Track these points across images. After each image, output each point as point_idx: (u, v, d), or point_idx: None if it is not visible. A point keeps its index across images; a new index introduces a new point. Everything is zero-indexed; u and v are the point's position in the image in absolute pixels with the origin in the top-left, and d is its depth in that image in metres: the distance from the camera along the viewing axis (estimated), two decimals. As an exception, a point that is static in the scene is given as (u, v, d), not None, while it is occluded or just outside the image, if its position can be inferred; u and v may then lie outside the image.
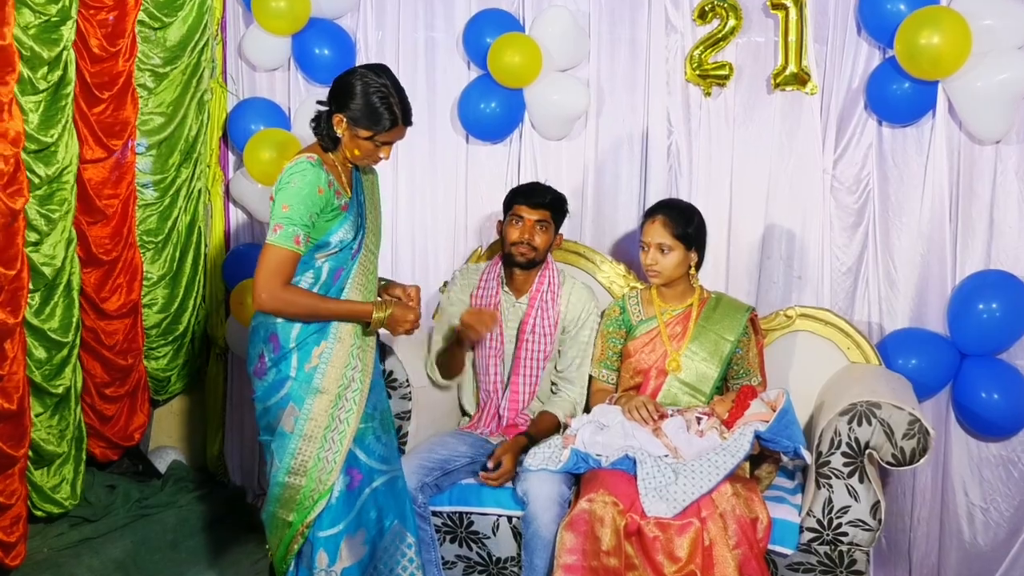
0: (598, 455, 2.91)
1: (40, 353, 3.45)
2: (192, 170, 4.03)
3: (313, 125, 2.73)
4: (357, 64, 3.97)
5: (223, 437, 4.40)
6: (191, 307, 4.17)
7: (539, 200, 3.28)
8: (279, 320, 2.64)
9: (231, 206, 4.28)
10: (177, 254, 4.05)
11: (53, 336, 3.47)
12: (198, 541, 3.87)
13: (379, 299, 2.82)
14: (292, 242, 2.56)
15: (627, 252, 3.77)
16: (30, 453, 3.40)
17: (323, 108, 2.72)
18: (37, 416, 3.46)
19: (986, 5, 3.20)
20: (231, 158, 4.26)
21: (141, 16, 3.66)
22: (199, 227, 4.15)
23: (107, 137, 3.60)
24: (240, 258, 4.17)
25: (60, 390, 3.53)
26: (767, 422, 2.84)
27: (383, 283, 2.97)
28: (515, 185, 3.68)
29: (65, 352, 3.53)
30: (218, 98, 4.15)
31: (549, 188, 3.34)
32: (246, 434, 4.39)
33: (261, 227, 4.24)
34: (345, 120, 2.63)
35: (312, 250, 2.65)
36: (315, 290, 2.66)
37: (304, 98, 4.06)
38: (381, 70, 2.68)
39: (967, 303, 3.34)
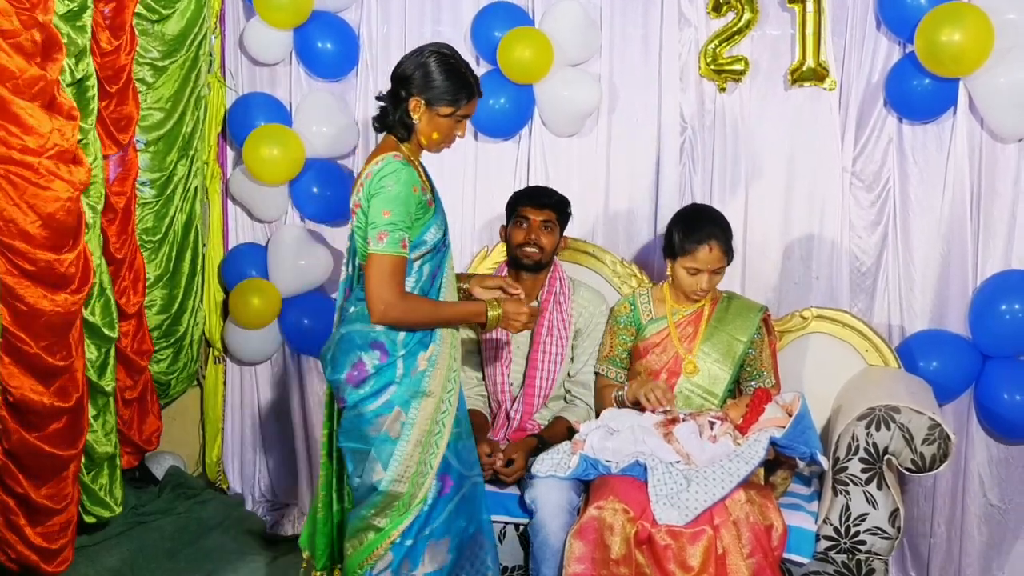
0: (608, 461, 2.92)
1: (92, 351, 3.49)
2: (189, 167, 4.04)
3: (378, 120, 2.74)
4: (360, 57, 4.00)
5: (222, 442, 4.41)
6: (190, 308, 4.18)
7: (544, 200, 3.31)
8: (379, 327, 2.62)
9: (230, 204, 4.29)
10: (174, 254, 4.06)
11: (105, 331, 3.51)
12: (197, 549, 3.88)
13: (486, 298, 2.83)
14: (400, 247, 2.56)
15: (640, 251, 3.78)
16: (83, 458, 3.45)
17: (383, 102, 2.73)
18: (94, 418, 3.51)
19: (1008, 0, 3.20)
20: (230, 155, 4.27)
21: (139, 9, 3.68)
22: (196, 226, 4.16)
23: (117, 131, 3.62)
24: (239, 258, 4.19)
25: (109, 388, 3.58)
26: (783, 427, 2.84)
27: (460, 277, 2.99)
28: (523, 185, 3.70)
29: (110, 348, 3.58)
30: (216, 93, 4.16)
31: (552, 190, 3.37)
32: (246, 439, 4.40)
33: (262, 226, 4.26)
34: (423, 102, 2.65)
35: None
36: (418, 294, 2.67)
37: (306, 93, 4.08)
38: (443, 46, 2.71)
39: (989, 304, 3.35)
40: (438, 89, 2.64)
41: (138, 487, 4.15)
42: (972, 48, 3.19)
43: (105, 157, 3.56)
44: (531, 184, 3.71)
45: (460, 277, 2.98)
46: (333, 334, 2.74)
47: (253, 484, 4.42)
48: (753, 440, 2.84)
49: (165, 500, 4.12)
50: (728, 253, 3.13)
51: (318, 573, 2.94)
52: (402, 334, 2.63)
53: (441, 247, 2.73)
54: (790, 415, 2.91)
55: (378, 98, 2.76)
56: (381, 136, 2.78)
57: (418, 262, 2.66)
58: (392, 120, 2.69)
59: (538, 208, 3.29)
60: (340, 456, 2.78)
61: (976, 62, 3.22)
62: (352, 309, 2.70)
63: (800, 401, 2.93)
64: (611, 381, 3.27)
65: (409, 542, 2.63)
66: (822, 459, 2.81)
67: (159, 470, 4.32)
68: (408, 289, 2.64)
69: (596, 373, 3.32)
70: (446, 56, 2.67)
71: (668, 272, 3.19)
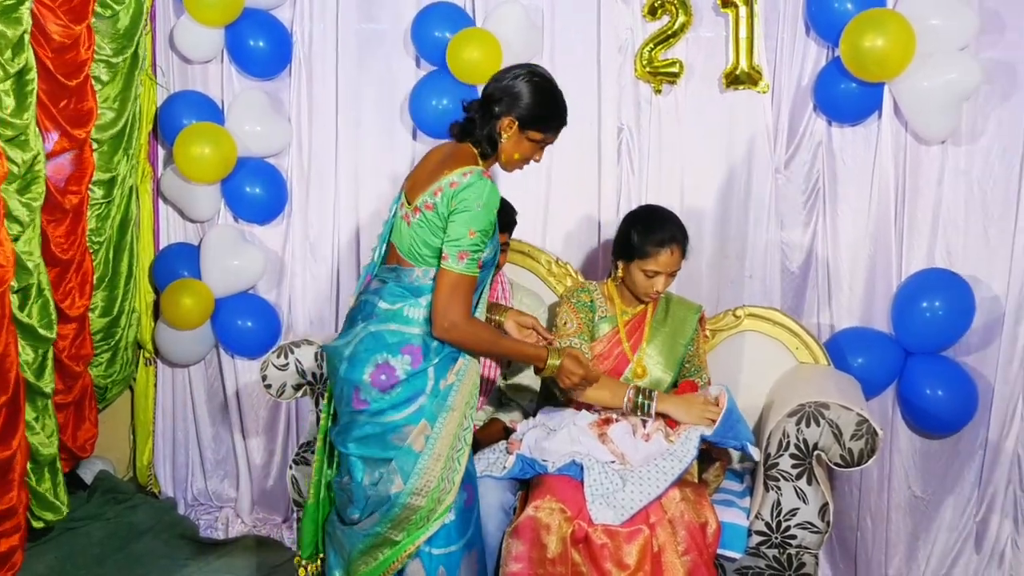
0: (544, 460, 2.93)
1: (28, 353, 3.41)
2: (127, 167, 3.98)
3: (462, 130, 2.69)
4: (294, 55, 3.97)
5: (153, 445, 4.35)
6: (127, 311, 4.11)
7: (512, 223, 3.30)
8: (416, 330, 2.58)
9: (161, 204, 4.22)
10: (111, 255, 3.99)
11: (41, 332, 3.43)
12: (127, 555, 3.81)
13: (554, 343, 2.84)
14: (476, 268, 2.56)
15: (578, 252, 3.80)
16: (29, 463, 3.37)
17: (471, 113, 2.69)
18: (35, 420, 3.44)
19: (930, 7, 3.29)
20: (161, 153, 4.21)
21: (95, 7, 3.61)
22: (131, 226, 4.09)
23: (73, 127, 3.54)
24: (171, 258, 4.13)
25: (48, 390, 3.50)
26: (713, 422, 2.88)
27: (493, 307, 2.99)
28: None
29: (48, 349, 3.51)
30: (147, 91, 4.09)
31: (511, 207, 3.32)
32: (178, 443, 4.35)
33: (194, 225, 4.20)
34: (517, 123, 2.64)
35: None
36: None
37: (239, 91, 4.03)
38: (542, 69, 2.72)
39: (911, 301, 3.44)
40: (533, 112, 2.64)
41: (66, 492, 4.07)
42: (895, 53, 3.26)
43: (59, 155, 3.49)
44: None
45: (493, 308, 3.00)
46: (354, 330, 2.63)
47: (186, 487, 4.36)
48: (684, 438, 2.87)
49: (94, 505, 4.05)
50: (685, 255, 3.15)
51: (303, 561, 2.86)
52: (436, 341, 2.59)
53: (492, 263, 2.72)
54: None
55: (466, 108, 2.72)
56: (444, 142, 2.75)
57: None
58: (479, 135, 2.66)
59: (503, 232, 3.24)
60: (331, 455, 2.73)
61: (899, 67, 3.30)
62: (382, 305, 2.61)
63: (726, 396, 2.96)
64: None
65: (440, 551, 2.57)
66: (753, 450, 2.85)
67: (88, 475, 4.24)
68: None
69: None
70: (545, 81, 2.68)
71: (619, 273, 3.17)
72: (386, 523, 2.56)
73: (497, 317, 2.97)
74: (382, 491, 2.55)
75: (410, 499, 2.53)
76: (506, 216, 3.21)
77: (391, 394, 2.55)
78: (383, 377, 2.55)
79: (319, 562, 2.84)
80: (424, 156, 2.76)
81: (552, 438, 2.96)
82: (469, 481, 2.67)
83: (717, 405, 2.96)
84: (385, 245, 2.74)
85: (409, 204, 2.64)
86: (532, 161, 2.76)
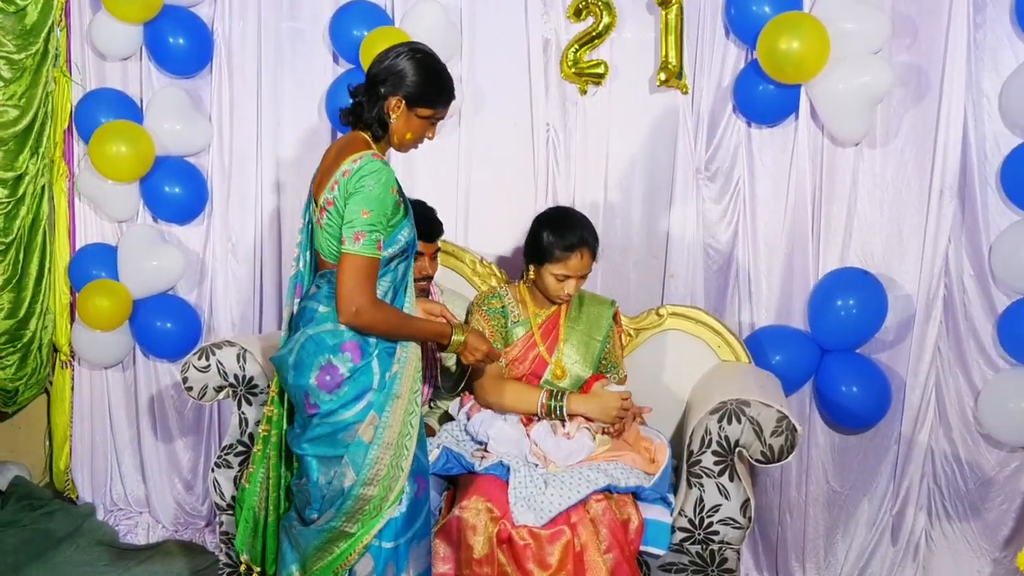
0: (472, 456, 2.92)
1: None
2: (38, 165, 3.86)
3: (350, 115, 2.64)
4: (215, 53, 3.89)
5: (71, 450, 4.24)
6: (38, 312, 4.01)
7: (436, 233, 3.28)
8: (345, 328, 2.53)
9: (77, 203, 4.12)
10: (22, 256, 3.89)
11: None
12: (44, 563, 3.73)
13: (456, 321, 2.83)
14: (376, 248, 2.50)
15: (503, 250, 3.79)
16: None
17: (357, 97, 2.63)
18: None
19: (845, 11, 3.33)
20: (76, 152, 4.10)
21: None
22: (44, 226, 3.98)
23: None
24: (87, 258, 4.02)
25: None
26: (650, 475, 2.93)
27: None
28: None
29: None
30: (62, 88, 4.00)
31: (437, 220, 3.30)
32: (96, 446, 4.24)
33: (111, 225, 4.10)
34: (404, 101, 2.59)
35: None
36: (390, 295, 2.59)
37: (157, 89, 3.95)
38: (423, 46, 2.67)
39: (826, 300, 3.48)
40: (419, 89, 2.59)
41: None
42: (810, 55, 3.30)
43: None
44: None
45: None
46: (295, 336, 2.59)
47: (105, 493, 4.26)
48: (623, 468, 2.89)
49: (9, 512, 3.95)
50: (595, 258, 3.14)
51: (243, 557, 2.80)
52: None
53: (411, 248, 2.66)
54: (653, 460, 3.01)
55: (352, 93, 2.66)
56: (345, 132, 2.69)
57: (393, 262, 2.60)
58: (368, 117, 2.61)
59: (430, 243, 3.23)
60: (287, 458, 2.69)
61: (814, 69, 3.34)
62: (321, 309, 2.57)
63: (667, 452, 3.03)
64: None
65: (389, 544, 2.54)
66: (671, 497, 2.94)
67: (2, 481, 4.14)
68: (384, 288, 2.57)
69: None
70: (428, 56, 2.63)
71: (531, 275, 3.17)
72: (341, 516, 2.53)
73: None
74: (336, 486, 2.53)
75: (362, 490, 2.51)
76: (425, 226, 3.15)
77: (338, 394, 2.52)
78: (328, 378, 2.52)
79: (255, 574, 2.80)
80: (323, 155, 2.70)
81: (501, 422, 2.98)
82: (421, 473, 2.64)
83: (652, 457, 3.01)
84: (309, 252, 2.69)
85: (316, 205, 2.61)
86: (425, 139, 2.71)
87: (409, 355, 2.61)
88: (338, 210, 2.52)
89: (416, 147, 2.73)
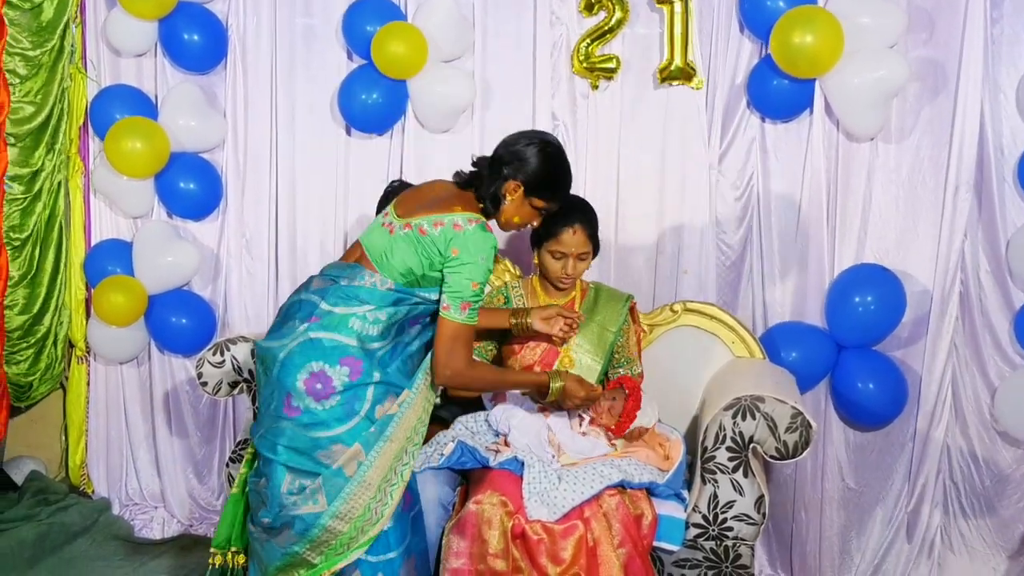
0: (488, 449, 2.92)
1: None
2: (55, 162, 3.88)
3: (468, 182, 2.70)
4: (229, 49, 3.89)
5: (86, 445, 4.25)
6: (53, 307, 4.02)
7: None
8: (355, 343, 2.53)
9: (93, 199, 4.13)
10: (37, 252, 3.91)
11: None
12: (59, 557, 3.74)
13: (547, 329, 2.92)
14: (476, 317, 2.61)
15: (513, 247, 3.79)
16: None
17: (479, 169, 2.70)
18: None
19: (860, 4, 3.30)
20: (92, 148, 4.11)
21: None
22: (60, 222, 3.99)
23: None
24: (103, 254, 4.02)
25: None
26: (664, 471, 2.91)
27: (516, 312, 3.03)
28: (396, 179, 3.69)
29: None
30: (78, 85, 4.00)
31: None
32: (111, 442, 4.25)
33: (127, 221, 4.11)
34: (523, 188, 2.65)
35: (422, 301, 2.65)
36: (392, 331, 2.60)
37: (172, 85, 3.95)
38: (553, 138, 2.75)
39: (843, 296, 3.46)
40: (540, 181, 2.67)
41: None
42: (824, 50, 3.28)
43: None
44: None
45: (516, 312, 3.02)
46: (293, 331, 2.56)
47: (120, 487, 4.27)
48: (637, 465, 2.87)
49: (25, 506, 3.95)
50: (592, 239, 3.09)
51: (214, 549, 2.79)
52: (381, 352, 2.56)
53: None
54: (667, 456, 2.98)
55: (475, 163, 2.72)
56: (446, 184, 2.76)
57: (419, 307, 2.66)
58: (484, 192, 2.67)
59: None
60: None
61: (828, 64, 3.31)
62: (326, 307, 2.57)
63: (681, 448, 3.01)
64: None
65: (375, 559, 2.54)
66: (685, 493, 2.93)
67: (19, 475, 4.14)
68: (382, 321, 2.57)
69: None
70: (556, 151, 2.71)
71: (536, 261, 3.16)
72: (304, 543, 2.51)
73: (520, 320, 3.01)
74: (301, 505, 2.50)
75: (331, 522, 2.49)
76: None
77: (326, 405, 2.50)
78: (319, 386, 2.51)
79: (229, 555, 2.76)
80: (427, 183, 2.80)
81: (520, 416, 2.97)
82: (409, 488, 2.64)
83: (666, 453, 3.00)
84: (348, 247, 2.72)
85: (399, 218, 2.64)
86: (529, 226, 2.81)
87: (415, 403, 2.59)
88: (431, 243, 2.58)
89: (517, 230, 2.85)
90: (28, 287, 3.90)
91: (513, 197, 2.68)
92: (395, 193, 3.23)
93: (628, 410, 2.94)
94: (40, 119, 3.77)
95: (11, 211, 3.75)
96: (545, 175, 2.69)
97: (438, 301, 2.63)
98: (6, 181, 3.67)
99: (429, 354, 2.65)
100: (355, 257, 2.72)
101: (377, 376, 2.54)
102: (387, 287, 2.59)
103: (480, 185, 2.69)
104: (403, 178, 3.76)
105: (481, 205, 2.68)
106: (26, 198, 3.80)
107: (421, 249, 2.59)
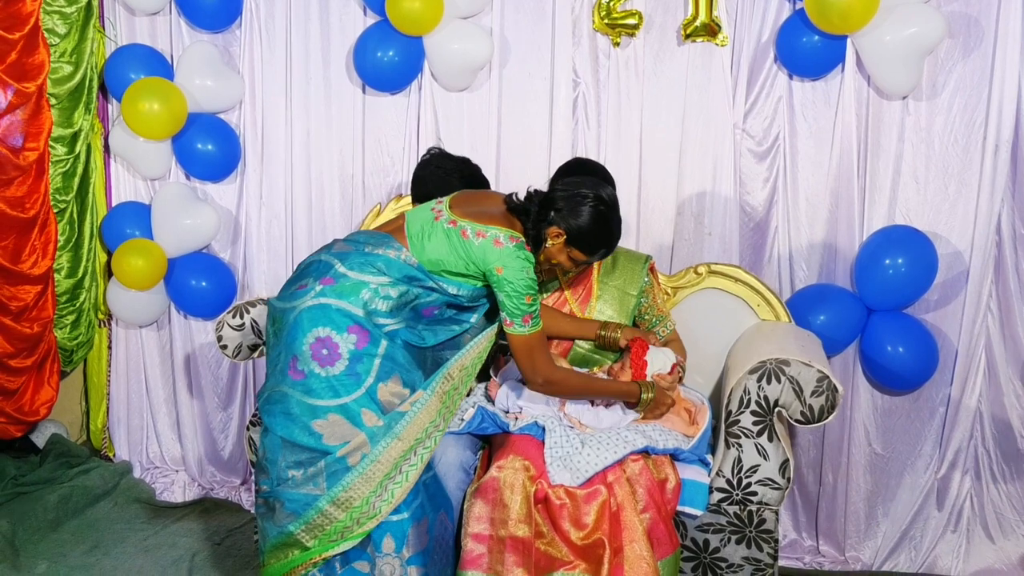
0: (507, 414, 2.89)
1: None
2: (90, 122, 3.88)
3: (519, 209, 2.69)
4: (244, 7, 3.83)
5: (108, 408, 4.27)
6: (89, 271, 4.05)
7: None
8: (362, 314, 2.53)
9: (112, 161, 4.11)
10: (76, 215, 3.91)
11: None
12: (82, 520, 3.77)
13: (644, 381, 2.90)
14: (540, 320, 2.67)
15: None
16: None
17: (529, 204, 2.68)
18: None
19: (896, -43, 3.23)
20: (109, 110, 4.09)
21: None
22: (92, 185, 4.00)
23: (23, 80, 3.41)
24: (121, 217, 4.00)
25: None
26: (689, 437, 2.88)
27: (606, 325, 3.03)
28: (412, 141, 3.71)
29: None
30: (97, 44, 3.97)
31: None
32: (133, 404, 4.27)
33: (145, 183, 4.09)
34: (565, 237, 2.66)
35: (453, 295, 2.68)
36: (405, 312, 2.61)
37: (188, 44, 3.91)
38: (608, 195, 2.70)
39: (873, 258, 3.39)
40: (584, 237, 2.67)
41: (17, 457, 3.99)
42: (859, 5, 3.19)
43: (12, 111, 3.37)
44: (435, 143, 3.64)
45: (606, 326, 3.01)
46: (305, 291, 2.56)
47: (141, 451, 4.29)
48: (661, 430, 2.85)
49: (47, 469, 3.98)
50: None
51: None
52: (388, 329, 2.56)
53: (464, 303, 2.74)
54: (694, 422, 2.95)
55: (529, 196, 2.70)
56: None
57: (455, 310, 2.72)
58: (529, 229, 2.67)
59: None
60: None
61: (863, 19, 3.22)
62: (342, 269, 2.57)
63: (708, 414, 2.97)
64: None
65: (391, 518, 2.54)
66: (709, 458, 2.90)
67: (40, 439, 4.17)
68: (389, 299, 2.58)
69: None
70: (608, 210, 2.68)
71: (547, 241, 3.11)
72: (300, 523, 2.52)
73: (608, 334, 3.01)
74: (301, 482, 2.51)
75: (328, 507, 2.50)
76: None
77: (330, 372, 2.50)
78: (324, 351, 2.51)
79: None
80: (488, 193, 2.84)
81: (527, 392, 2.92)
82: (443, 508, 2.66)
83: (692, 419, 2.96)
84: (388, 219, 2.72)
85: (450, 211, 2.67)
86: (564, 271, 2.82)
87: (429, 405, 2.58)
88: (469, 248, 2.61)
89: (550, 275, 2.87)
90: (72, 251, 3.92)
91: (555, 242, 2.68)
92: (432, 161, 3.20)
93: (634, 358, 2.92)
94: (77, 79, 3.76)
95: (55, 173, 3.76)
96: (590, 234, 2.67)
97: (455, 296, 2.67)
98: (50, 143, 3.67)
99: (451, 360, 2.67)
100: (393, 227, 2.73)
101: (383, 349, 2.53)
102: (410, 263, 2.61)
103: (526, 221, 2.68)
104: (420, 138, 3.73)
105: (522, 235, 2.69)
106: (68, 159, 3.80)
107: (459, 249, 2.62)
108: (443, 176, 3.14)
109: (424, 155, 3.27)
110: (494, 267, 2.60)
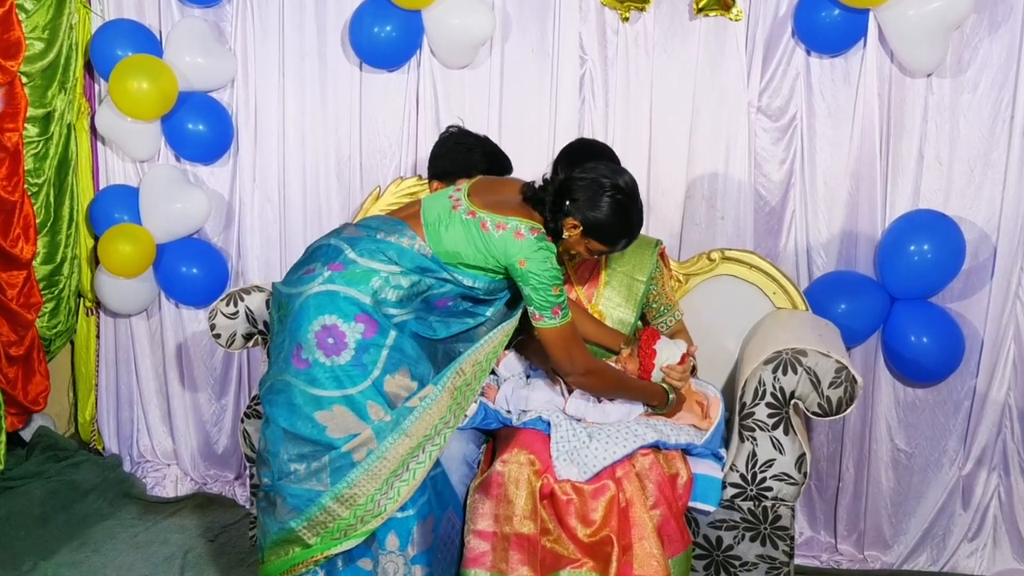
0: (508, 412, 2.89)
1: None
2: (66, 102, 3.87)
3: (536, 197, 2.67)
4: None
5: (96, 400, 4.28)
6: (69, 257, 4.05)
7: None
8: (370, 302, 2.51)
9: (98, 143, 4.11)
10: (53, 199, 3.91)
11: None
12: (70, 515, 3.78)
13: (671, 385, 2.92)
14: (569, 311, 2.68)
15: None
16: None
17: (546, 193, 2.66)
18: None
19: (920, -74, 3.20)
20: (96, 88, 4.09)
21: None
22: (72, 167, 3.99)
23: (3, 59, 3.41)
24: (108, 201, 4.00)
25: None
26: (702, 431, 2.88)
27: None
28: (412, 119, 3.70)
29: None
30: (82, 20, 3.96)
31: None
32: (122, 396, 4.29)
33: (133, 166, 4.09)
34: (582, 228, 2.66)
35: (466, 286, 2.68)
36: (414, 302, 2.60)
37: (177, 20, 3.90)
38: (627, 184, 2.68)
39: (897, 244, 3.37)
40: (601, 228, 2.66)
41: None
42: (882, -24, 3.20)
43: None
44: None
45: (631, 342, 3.03)
46: (312, 276, 2.54)
47: (131, 444, 4.30)
48: (674, 426, 2.85)
49: (34, 463, 3.99)
50: None
51: None
52: (398, 320, 2.55)
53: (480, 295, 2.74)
54: (706, 415, 2.95)
55: (546, 181, 2.69)
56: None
57: (470, 302, 2.72)
58: (547, 220, 2.66)
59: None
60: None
61: (888, -8, 3.23)
62: (352, 256, 2.56)
63: (720, 407, 2.97)
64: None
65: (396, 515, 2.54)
66: (722, 452, 2.92)
67: (27, 431, 4.18)
68: (397, 289, 2.56)
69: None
70: (627, 200, 2.67)
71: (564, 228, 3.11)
72: (302, 520, 2.51)
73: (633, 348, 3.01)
74: (304, 477, 2.50)
75: (332, 504, 2.49)
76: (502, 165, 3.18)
77: (335, 361, 2.48)
78: (330, 340, 2.49)
79: None
80: (508, 180, 2.83)
81: (532, 387, 2.92)
82: (447, 507, 2.65)
83: (705, 412, 2.96)
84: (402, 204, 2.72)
85: (468, 200, 2.66)
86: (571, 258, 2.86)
87: (439, 401, 2.56)
88: (488, 239, 2.60)
89: (574, 260, 2.92)
90: (48, 235, 3.92)
91: (572, 234, 2.68)
92: (452, 138, 3.19)
93: (643, 346, 2.91)
94: (51, 56, 3.74)
95: (27, 155, 3.76)
96: (610, 226, 2.66)
97: (470, 288, 2.66)
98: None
99: (464, 354, 2.65)
100: (407, 214, 2.71)
101: (391, 340, 2.52)
102: (424, 253, 2.59)
103: (543, 210, 2.66)
104: (419, 117, 3.71)
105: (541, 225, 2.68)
106: (40, 141, 3.79)
107: (478, 241, 2.61)
108: (464, 152, 3.14)
109: (443, 132, 3.26)
110: (516, 260, 2.59)
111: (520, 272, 2.60)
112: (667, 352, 2.92)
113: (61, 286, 4.04)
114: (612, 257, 3.14)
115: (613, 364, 2.97)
